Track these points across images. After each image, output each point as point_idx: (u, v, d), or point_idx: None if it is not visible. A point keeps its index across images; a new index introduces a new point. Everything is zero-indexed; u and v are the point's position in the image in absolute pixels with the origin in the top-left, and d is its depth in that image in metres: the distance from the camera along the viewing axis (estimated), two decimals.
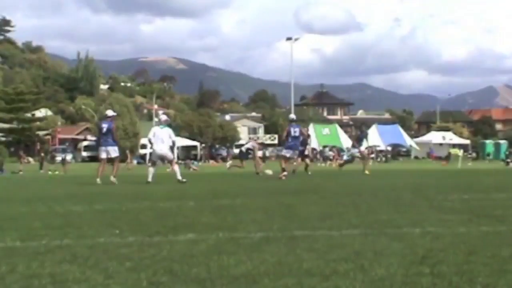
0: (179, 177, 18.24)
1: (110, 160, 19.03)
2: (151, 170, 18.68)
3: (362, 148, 29.56)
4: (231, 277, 4.41)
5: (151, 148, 19.73)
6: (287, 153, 21.89)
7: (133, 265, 4.88)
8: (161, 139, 18.55)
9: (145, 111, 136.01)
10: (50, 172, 38.48)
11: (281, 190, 14.47)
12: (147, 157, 58.59)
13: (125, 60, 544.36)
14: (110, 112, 19.76)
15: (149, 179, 18.04)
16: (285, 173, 20.78)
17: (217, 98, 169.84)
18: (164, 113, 21.70)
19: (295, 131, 21.77)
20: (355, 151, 37.86)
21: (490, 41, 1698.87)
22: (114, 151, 18.83)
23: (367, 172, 25.07)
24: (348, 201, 10.77)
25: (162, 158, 19.50)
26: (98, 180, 18.00)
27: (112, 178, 17.87)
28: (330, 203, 10.33)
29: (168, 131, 18.82)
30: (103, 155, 18.70)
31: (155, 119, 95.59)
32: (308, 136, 30.46)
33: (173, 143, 18.99)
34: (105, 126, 18.77)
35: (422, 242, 5.83)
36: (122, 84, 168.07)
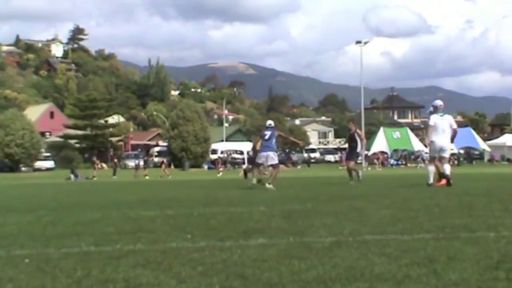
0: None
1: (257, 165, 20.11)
2: (431, 169, 16.76)
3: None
4: (303, 281, 4.40)
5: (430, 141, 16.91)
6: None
7: (205, 269, 4.90)
8: (442, 129, 16.57)
9: (216, 116, 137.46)
10: (147, 177, 38.81)
11: (351, 194, 14.36)
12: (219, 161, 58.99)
13: (195, 66, 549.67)
14: (269, 122, 20.05)
15: (430, 181, 16.37)
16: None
17: (286, 103, 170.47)
18: (438, 100, 17.73)
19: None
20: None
21: None
22: (273, 158, 19.06)
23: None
24: (420, 205, 10.59)
25: (441, 150, 16.71)
26: (254, 181, 19.56)
27: (268, 185, 17.96)
28: (400, 207, 10.17)
29: (448, 118, 16.92)
30: (261, 160, 19.23)
31: (226, 124, 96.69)
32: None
33: (454, 132, 16.80)
34: (267, 133, 19.08)
35: (496, 246, 5.69)
36: (193, 90, 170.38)
